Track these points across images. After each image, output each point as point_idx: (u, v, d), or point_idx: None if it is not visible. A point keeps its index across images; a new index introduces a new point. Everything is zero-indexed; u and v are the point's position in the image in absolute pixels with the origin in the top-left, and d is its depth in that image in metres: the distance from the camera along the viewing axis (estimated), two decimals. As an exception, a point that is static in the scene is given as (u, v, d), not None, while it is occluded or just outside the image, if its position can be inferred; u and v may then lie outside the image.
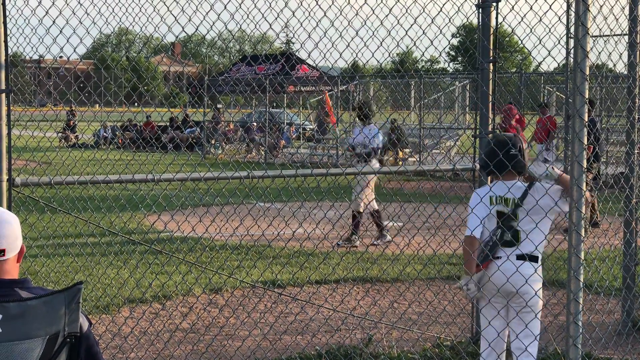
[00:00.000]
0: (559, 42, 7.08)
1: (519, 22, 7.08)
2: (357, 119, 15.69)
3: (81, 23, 7.25)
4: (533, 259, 6.54)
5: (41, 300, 3.43)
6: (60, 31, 7.19)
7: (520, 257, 6.53)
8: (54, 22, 7.13)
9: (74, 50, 7.24)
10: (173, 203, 16.09)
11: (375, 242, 15.20)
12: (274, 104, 44.91)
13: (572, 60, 5.56)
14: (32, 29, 7.31)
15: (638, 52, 8.42)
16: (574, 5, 5.51)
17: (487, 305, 6.79)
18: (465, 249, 6.66)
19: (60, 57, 8.21)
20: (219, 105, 41.30)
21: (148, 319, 10.01)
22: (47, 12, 7.17)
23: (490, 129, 8.11)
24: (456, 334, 9.49)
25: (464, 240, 6.72)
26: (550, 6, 6.58)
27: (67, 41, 7.15)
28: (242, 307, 10.65)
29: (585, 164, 5.53)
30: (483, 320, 6.89)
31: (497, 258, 6.61)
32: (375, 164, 15.02)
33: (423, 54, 7.79)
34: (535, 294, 6.47)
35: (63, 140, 41.84)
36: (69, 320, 3.47)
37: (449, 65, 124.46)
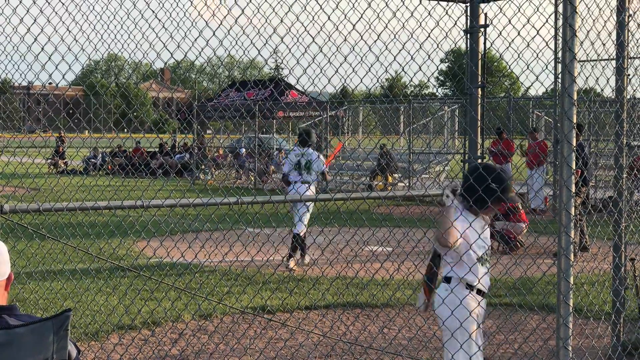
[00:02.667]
0: (546, 67, 7.11)
1: (507, 47, 7.11)
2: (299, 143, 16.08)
3: (70, 50, 7.26)
4: (446, 280, 6.63)
5: (29, 328, 3.40)
6: (49, 58, 7.19)
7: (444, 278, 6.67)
8: (42, 48, 7.14)
9: (63, 77, 7.24)
10: (162, 229, 16.08)
11: (287, 265, 15.02)
12: (263, 130, 44.97)
13: (560, 85, 5.58)
14: (20, 56, 7.32)
15: (625, 77, 8.46)
16: (561, 30, 5.54)
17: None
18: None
19: (50, 83, 8.21)
20: (206, 131, 41.35)
21: (137, 346, 9.97)
22: (35, 39, 7.18)
23: (478, 154, 8.13)
24: (446, 359, 9.46)
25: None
26: (538, 31, 6.61)
27: (56, 68, 7.16)
28: (232, 333, 10.62)
29: (573, 188, 5.55)
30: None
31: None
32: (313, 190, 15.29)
33: (411, 79, 7.80)
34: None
35: (52, 166, 41.79)
36: (57, 347, 3.45)
37: (437, 90, 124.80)
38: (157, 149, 42.81)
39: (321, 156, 16.10)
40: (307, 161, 15.26)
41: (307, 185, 14.81)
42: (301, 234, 15.09)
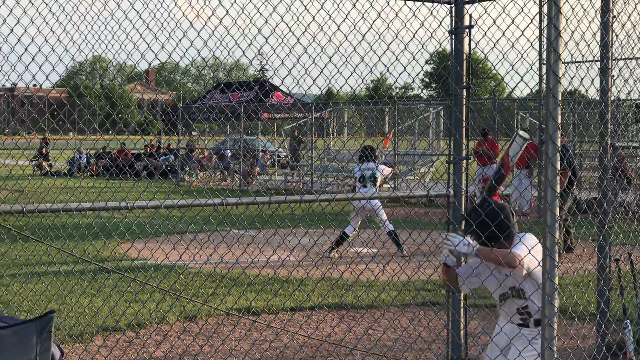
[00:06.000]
0: (531, 67, 7.12)
1: (492, 48, 7.11)
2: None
3: (53, 50, 7.22)
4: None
5: (12, 329, 3.38)
6: (33, 58, 7.16)
7: None
8: (25, 49, 7.10)
9: (47, 78, 7.21)
10: (146, 230, 16.04)
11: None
12: (248, 131, 44.91)
13: (544, 85, 5.58)
14: (4, 57, 7.28)
15: (610, 78, 8.47)
16: (545, 31, 5.54)
17: None
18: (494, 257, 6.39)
19: (34, 85, 8.17)
20: (193, 133, 41.32)
21: (122, 348, 9.93)
22: (19, 40, 7.14)
23: (463, 155, 8.13)
24: (431, 360, 9.47)
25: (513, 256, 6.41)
26: (522, 32, 6.62)
27: (40, 69, 7.12)
28: (217, 334, 10.59)
29: (558, 189, 5.54)
30: None
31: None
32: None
33: (396, 80, 7.81)
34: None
35: (36, 168, 41.66)
36: (40, 349, 3.43)
37: (422, 91, 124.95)
38: (142, 151, 42.72)
39: (380, 166, 17.37)
40: (372, 175, 16.81)
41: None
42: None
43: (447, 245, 6.41)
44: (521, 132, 6.86)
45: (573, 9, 6.72)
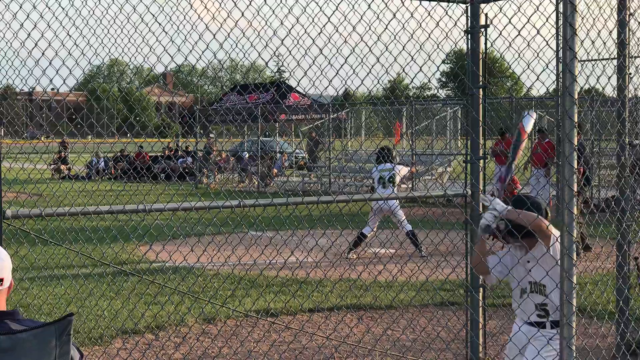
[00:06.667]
0: (547, 66, 7.11)
1: (508, 47, 7.10)
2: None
3: (70, 54, 7.25)
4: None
5: (32, 333, 3.40)
6: (50, 63, 7.18)
7: None
8: (43, 53, 7.13)
9: (64, 82, 7.24)
10: (164, 233, 16.06)
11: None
12: (266, 133, 44.93)
13: (561, 84, 5.57)
14: (21, 61, 7.31)
15: (627, 76, 8.45)
16: (561, 29, 5.53)
17: None
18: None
19: (52, 89, 8.20)
20: (210, 135, 41.37)
21: (141, 350, 9.96)
22: (36, 44, 7.17)
23: (480, 155, 8.12)
24: (450, 360, 9.46)
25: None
26: (538, 31, 6.61)
27: (57, 72, 7.15)
28: (235, 336, 10.61)
29: (575, 188, 5.53)
30: None
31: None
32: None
33: (412, 80, 7.80)
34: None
35: (55, 172, 41.79)
36: (59, 352, 3.44)
37: (437, 91, 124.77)
38: (160, 154, 42.80)
39: (398, 166, 17.51)
40: (390, 175, 16.90)
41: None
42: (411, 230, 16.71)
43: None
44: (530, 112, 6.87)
45: (589, 6, 6.71)
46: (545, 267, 6.34)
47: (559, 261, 5.53)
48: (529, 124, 6.93)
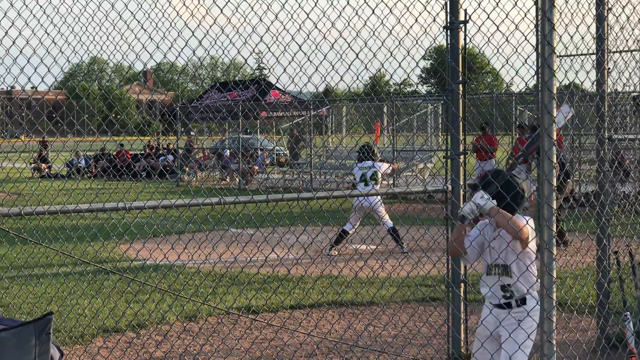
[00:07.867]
0: (525, 61, 7.12)
1: (487, 43, 7.11)
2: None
3: (48, 52, 7.22)
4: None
5: (11, 332, 3.38)
6: (28, 61, 7.15)
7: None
8: (20, 51, 7.09)
9: (42, 80, 7.21)
10: (145, 231, 16.03)
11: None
12: (246, 130, 44.89)
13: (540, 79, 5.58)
14: (-1, 60, 7.27)
15: (605, 70, 8.48)
16: (540, 24, 5.54)
17: None
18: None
19: (31, 87, 8.16)
20: (191, 132, 41.32)
21: (122, 348, 9.93)
22: (14, 42, 7.13)
23: (461, 150, 8.13)
24: (432, 355, 9.47)
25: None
26: (517, 26, 6.62)
27: (35, 71, 7.12)
28: (217, 333, 10.59)
29: (555, 182, 5.54)
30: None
31: None
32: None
33: (391, 76, 7.79)
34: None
35: (35, 171, 41.61)
36: (39, 351, 3.43)
37: (416, 87, 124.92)
38: (140, 152, 42.68)
39: (378, 163, 17.48)
40: (372, 173, 16.94)
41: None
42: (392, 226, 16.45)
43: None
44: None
45: (567, 1, 6.73)
46: (509, 248, 6.40)
47: (539, 255, 5.55)
48: (562, 120, 6.91)
